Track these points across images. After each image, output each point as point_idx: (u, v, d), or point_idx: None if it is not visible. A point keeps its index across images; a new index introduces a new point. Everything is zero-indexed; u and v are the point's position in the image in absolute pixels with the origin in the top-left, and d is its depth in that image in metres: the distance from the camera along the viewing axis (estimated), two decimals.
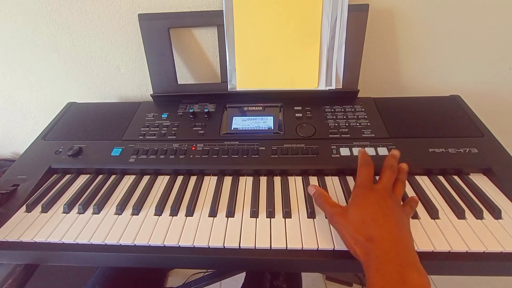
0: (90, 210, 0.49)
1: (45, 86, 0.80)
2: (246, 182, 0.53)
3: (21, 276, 0.46)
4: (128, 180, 0.55)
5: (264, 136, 0.59)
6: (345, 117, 0.62)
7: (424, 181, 0.51)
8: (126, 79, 0.78)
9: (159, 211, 0.47)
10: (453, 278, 1.09)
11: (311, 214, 0.45)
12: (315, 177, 0.53)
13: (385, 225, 0.37)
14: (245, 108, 0.66)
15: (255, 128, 0.61)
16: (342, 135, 0.58)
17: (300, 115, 0.63)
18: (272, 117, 0.63)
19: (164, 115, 0.65)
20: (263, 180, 0.53)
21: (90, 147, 0.59)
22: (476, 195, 0.48)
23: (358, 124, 0.60)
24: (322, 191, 0.46)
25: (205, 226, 0.44)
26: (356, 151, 0.54)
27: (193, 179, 0.54)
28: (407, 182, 0.51)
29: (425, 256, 0.39)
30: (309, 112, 0.63)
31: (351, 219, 0.39)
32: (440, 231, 0.42)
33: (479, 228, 0.42)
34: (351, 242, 0.38)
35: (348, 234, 0.39)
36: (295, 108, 0.64)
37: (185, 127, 0.62)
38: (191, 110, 0.64)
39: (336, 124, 0.60)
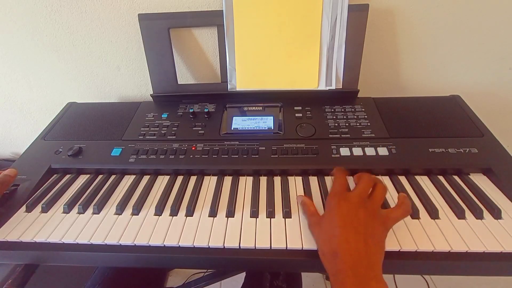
0: (90, 210, 0.49)
1: (45, 86, 0.80)
2: (246, 182, 0.53)
3: (21, 276, 0.46)
4: (128, 180, 0.55)
5: (264, 136, 0.59)
6: (345, 117, 0.62)
7: (424, 181, 0.51)
8: (126, 79, 0.78)
9: (159, 211, 0.47)
10: (453, 278, 1.09)
11: None
12: (315, 177, 0.53)
13: (353, 239, 0.36)
14: (245, 108, 0.66)
15: (255, 128, 0.61)
16: (342, 135, 0.58)
17: (300, 115, 0.63)
18: (272, 117, 0.63)
19: (164, 115, 0.65)
20: (263, 180, 0.53)
21: (90, 147, 0.59)
22: (476, 195, 0.48)
23: (358, 124, 0.60)
24: (306, 200, 0.46)
25: (205, 226, 0.44)
26: (356, 151, 0.54)
27: (193, 179, 0.54)
28: (407, 182, 0.51)
29: (425, 256, 0.39)
30: (309, 112, 0.63)
31: (322, 231, 0.40)
32: (440, 231, 0.42)
33: (479, 228, 0.42)
34: (320, 253, 0.39)
35: (318, 244, 0.40)
36: (295, 108, 0.64)
37: (185, 127, 0.62)
38: (191, 110, 0.64)
39: (336, 124, 0.60)
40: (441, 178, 0.51)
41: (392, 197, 0.48)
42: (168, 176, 0.55)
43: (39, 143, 0.62)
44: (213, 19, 0.63)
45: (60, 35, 0.71)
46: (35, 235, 0.44)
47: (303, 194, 0.48)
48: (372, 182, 0.44)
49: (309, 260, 0.41)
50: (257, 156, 0.55)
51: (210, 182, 0.53)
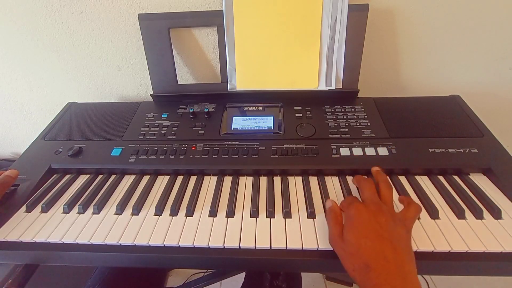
0: (90, 210, 0.49)
1: (45, 86, 0.80)
2: (246, 182, 0.53)
3: (21, 276, 0.46)
4: (128, 180, 0.55)
5: (264, 136, 0.59)
6: (345, 117, 0.62)
7: (424, 181, 0.51)
8: (126, 79, 0.78)
9: (159, 211, 0.47)
10: (453, 278, 1.09)
11: (311, 214, 0.45)
12: (315, 177, 0.53)
13: (380, 249, 0.35)
14: (245, 108, 0.66)
15: (255, 128, 0.61)
16: (342, 135, 0.57)
17: (300, 115, 0.63)
18: (272, 117, 0.63)
19: (164, 115, 0.65)
20: (263, 180, 0.53)
21: (90, 147, 0.59)
22: (476, 195, 0.48)
23: (358, 124, 0.60)
24: (336, 208, 0.44)
25: (205, 226, 0.44)
26: (356, 151, 0.54)
27: (193, 179, 0.54)
28: (407, 182, 0.51)
29: (425, 256, 0.39)
30: (309, 112, 0.63)
31: (346, 245, 0.38)
32: (440, 231, 0.42)
33: (479, 228, 0.42)
34: (349, 269, 0.37)
35: (344, 260, 0.38)
36: (295, 108, 0.64)
37: (185, 127, 0.62)
38: (191, 110, 0.64)
39: (336, 124, 0.60)
40: (441, 178, 0.52)
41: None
42: (168, 176, 0.55)
43: (39, 143, 0.62)
44: (213, 19, 0.63)
45: (60, 35, 0.71)
46: (35, 235, 0.44)
47: (335, 201, 0.46)
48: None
49: (309, 260, 0.41)
50: (257, 156, 0.55)
51: (210, 182, 0.53)
